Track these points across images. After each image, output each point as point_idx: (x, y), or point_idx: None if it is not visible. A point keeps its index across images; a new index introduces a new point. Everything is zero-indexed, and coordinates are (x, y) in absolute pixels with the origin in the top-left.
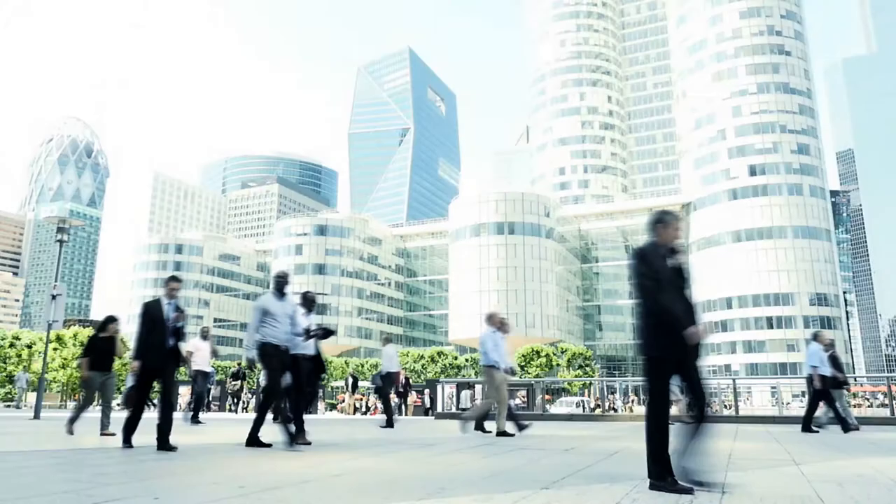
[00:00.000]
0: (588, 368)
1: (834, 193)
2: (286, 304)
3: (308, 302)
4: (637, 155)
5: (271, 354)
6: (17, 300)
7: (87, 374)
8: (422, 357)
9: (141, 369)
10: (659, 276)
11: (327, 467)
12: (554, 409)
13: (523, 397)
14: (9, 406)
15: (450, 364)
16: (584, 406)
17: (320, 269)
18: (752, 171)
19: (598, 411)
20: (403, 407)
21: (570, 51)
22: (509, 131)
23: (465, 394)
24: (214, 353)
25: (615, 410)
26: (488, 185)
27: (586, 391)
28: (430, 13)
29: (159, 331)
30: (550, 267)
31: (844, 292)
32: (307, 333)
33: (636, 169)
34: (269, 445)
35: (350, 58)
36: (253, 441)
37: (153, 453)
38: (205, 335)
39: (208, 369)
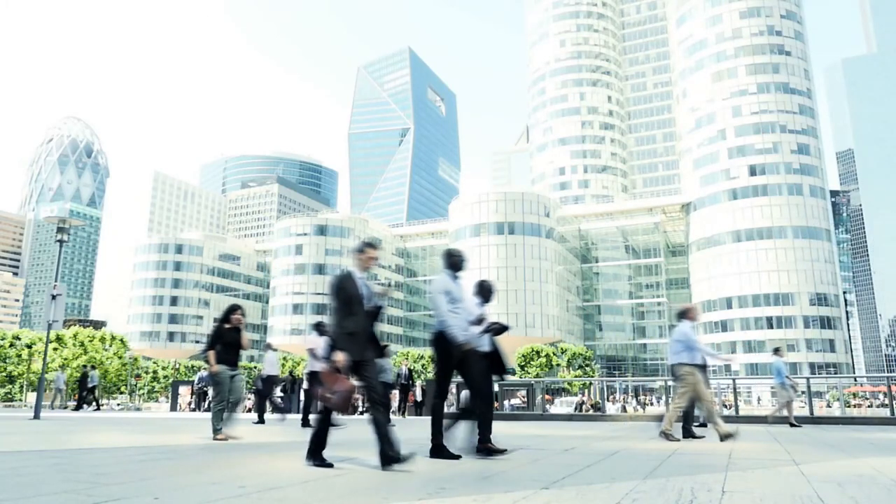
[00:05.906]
0: (588, 368)
1: (834, 193)
2: (461, 287)
3: (485, 291)
4: (637, 155)
5: (455, 345)
6: (17, 300)
7: (216, 367)
8: (422, 357)
9: (349, 362)
10: None
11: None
12: (554, 409)
13: (523, 397)
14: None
15: None
16: (583, 406)
17: (320, 269)
18: (752, 171)
19: (590, 412)
20: (405, 404)
21: (570, 51)
22: (509, 131)
23: (465, 394)
24: None
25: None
26: (488, 185)
27: (586, 391)
28: (430, 13)
29: (357, 311)
30: (550, 267)
31: (844, 292)
32: (482, 327)
33: (636, 169)
34: (458, 457)
35: (350, 58)
36: (438, 451)
37: (153, 453)
38: (322, 331)
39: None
